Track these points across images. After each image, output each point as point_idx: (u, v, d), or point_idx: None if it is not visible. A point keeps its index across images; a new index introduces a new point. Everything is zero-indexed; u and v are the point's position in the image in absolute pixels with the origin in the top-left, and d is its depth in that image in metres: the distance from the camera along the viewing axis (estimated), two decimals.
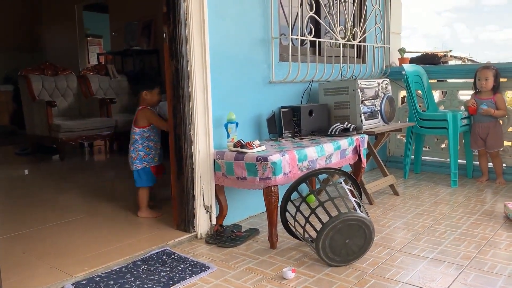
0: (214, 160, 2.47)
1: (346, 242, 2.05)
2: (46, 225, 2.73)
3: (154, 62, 6.32)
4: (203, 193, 2.47)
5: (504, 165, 3.68)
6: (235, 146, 2.42)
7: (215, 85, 2.50)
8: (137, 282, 1.93)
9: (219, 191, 2.53)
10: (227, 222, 2.61)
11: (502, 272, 1.97)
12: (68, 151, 5.52)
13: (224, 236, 2.42)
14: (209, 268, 2.06)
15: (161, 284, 1.91)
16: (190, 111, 2.39)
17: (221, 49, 2.54)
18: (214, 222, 2.54)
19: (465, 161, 3.85)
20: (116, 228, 2.64)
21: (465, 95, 4.07)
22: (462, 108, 3.92)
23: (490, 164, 3.70)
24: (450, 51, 5.48)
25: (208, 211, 2.51)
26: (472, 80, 3.70)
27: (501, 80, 3.63)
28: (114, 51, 6.85)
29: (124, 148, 5.76)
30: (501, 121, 3.64)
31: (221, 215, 2.55)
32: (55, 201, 3.35)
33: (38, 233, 2.59)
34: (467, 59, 6.15)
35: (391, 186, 3.33)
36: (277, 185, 2.27)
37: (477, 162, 3.77)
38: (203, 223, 2.49)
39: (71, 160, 5.16)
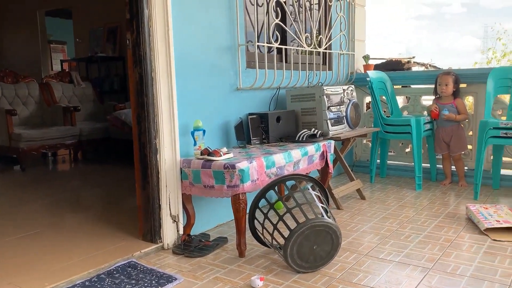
0: (181, 168, 2.44)
1: (314, 248, 2.06)
2: (5, 238, 2.61)
3: (120, 69, 6.22)
4: (169, 202, 2.43)
5: (465, 168, 3.80)
6: (202, 154, 2.39)
7: (181, 92, 2.47)
8: None
9: (186, 200, 2.49)
10: (195, 231, 2.57)
11: (465, 273, 2.03)
12: (30, 161, 5.33)
13: (191, 246, 2.38)
14: (176, 279, 2.02)
15: None
16: (155, 119, 2.35)
17: (186, 56, 2.52)
18: (181, 232, 2.50)
19: (429, 165, 3.95)
20: (80, 241, 2.55)
21: (428, 100, 4.19)
22: (425, 113, 4.03)
23: (453, 167, 3.82)
24: (413, 57, 5.63)
25: (175, 221, 2.47)
26: (433, 86, 3.81)
27: (461, 85, 3.75)
28: (78, 57, 6.70)
29: (89, 157, 5.64)
30: (462, 125, 3.76)
31: (188, 225, 2.51)
32: (16, 213, 3.21)
33: None
34: (430, 65, 6.34)
35: (358, 190, 3.38)
36: (245, 193, 2.26)
37: (441, 166, 3.88)
38: (170, 233, 2.45)
39: (33, 170, 4.99)
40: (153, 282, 1.99)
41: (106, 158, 5.54)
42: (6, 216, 3.12)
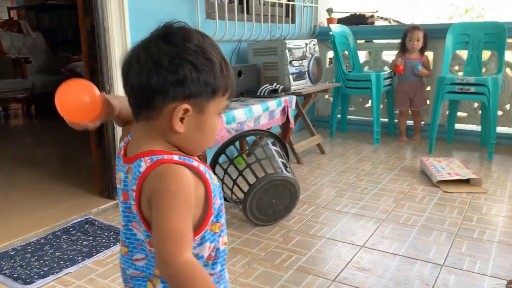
0: None
1: (272, 202, 2.09)
2: None
3: (74, 18, 5.86)
4: None
5: (422, 122, 3.89)
6: None
7: None
8: (56, 254, 1.83)
9: None
10: None
11: (416, 224, 2.12)
12: None
13: None
14: None
15: (83, 254, 1.83)
16: (109, 72, 2.24)
17: (141, 5, 2.38)
18: None
19: (387, 120, 4.03)
20: (35, 198, 2.47)
21: (389, 55, 4.21)
22: (386, 68, 4.06)
23: (408, 122, 3.89)
24: (377, 11, 5.60)
25: None
26: (396, 41, 3.80)
27: None
28: (27, 5, 6.24)
29: (43, 111, 5.39)
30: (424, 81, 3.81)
31: None
32: None
33: None
34: (392, 20, 6.33)
35: (318, 145, 3.42)
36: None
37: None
38: None
39: None
40: (111, 238, 1.97)
41: None
42: None
